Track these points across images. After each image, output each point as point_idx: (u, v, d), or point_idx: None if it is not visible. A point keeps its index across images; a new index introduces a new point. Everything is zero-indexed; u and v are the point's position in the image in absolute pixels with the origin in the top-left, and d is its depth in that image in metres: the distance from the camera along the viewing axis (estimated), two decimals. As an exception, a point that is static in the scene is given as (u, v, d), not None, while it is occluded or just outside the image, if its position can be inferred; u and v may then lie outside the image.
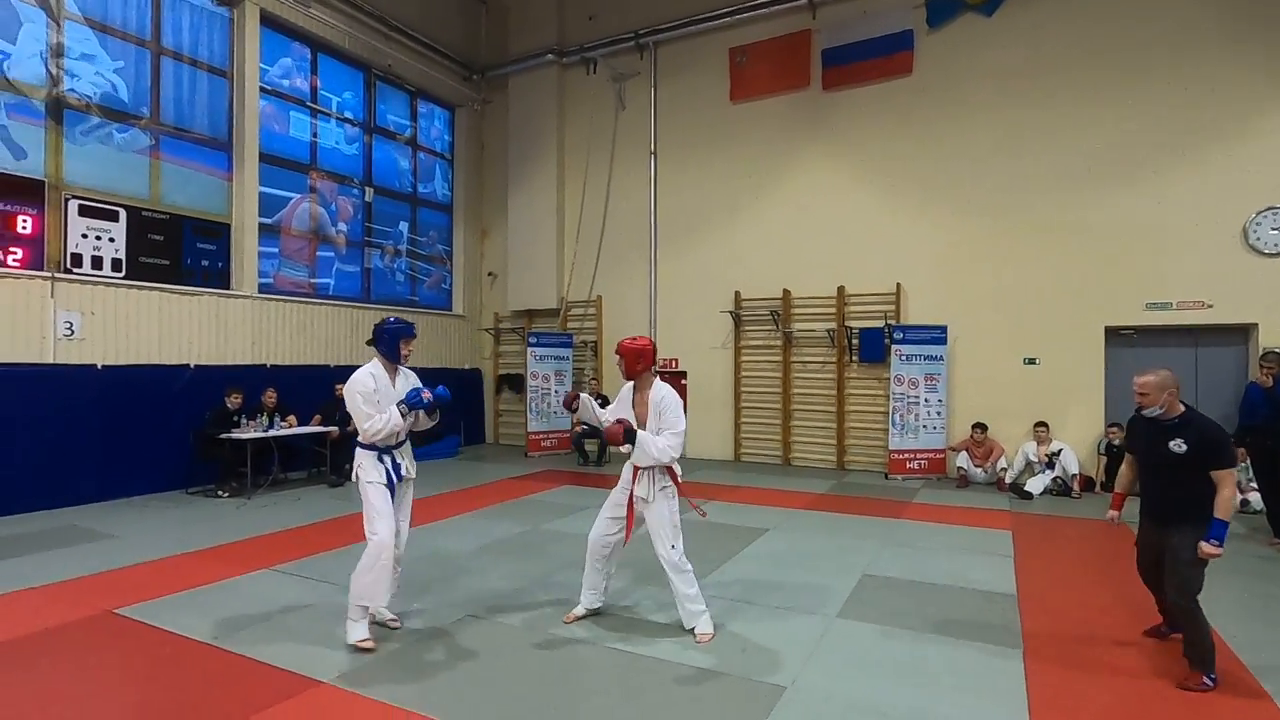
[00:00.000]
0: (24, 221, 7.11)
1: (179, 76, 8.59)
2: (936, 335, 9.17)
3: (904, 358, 9.18)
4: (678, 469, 4.08)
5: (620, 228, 11.81)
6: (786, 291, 10.38)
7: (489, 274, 13.24)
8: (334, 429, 8.75)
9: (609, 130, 11.86)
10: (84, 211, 7.56)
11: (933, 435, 9.16)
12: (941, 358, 9.15)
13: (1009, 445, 8.81)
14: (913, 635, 3.92)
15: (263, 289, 9.41)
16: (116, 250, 7.82)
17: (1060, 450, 8.29)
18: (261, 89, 9.43)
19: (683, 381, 11.27)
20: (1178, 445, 3.32)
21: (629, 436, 3.86)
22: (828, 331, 10.01)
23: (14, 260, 7.03)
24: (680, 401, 4.06)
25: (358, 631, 3.72)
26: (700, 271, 11.09)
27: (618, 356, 4.16)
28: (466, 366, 12.81)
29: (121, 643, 3.80)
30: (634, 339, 4.21)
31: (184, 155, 8.66)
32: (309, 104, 10.28)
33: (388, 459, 4.06)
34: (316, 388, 9.29)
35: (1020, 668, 3.55)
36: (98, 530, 6.25)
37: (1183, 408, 3.43)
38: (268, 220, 9.58)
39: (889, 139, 9.79)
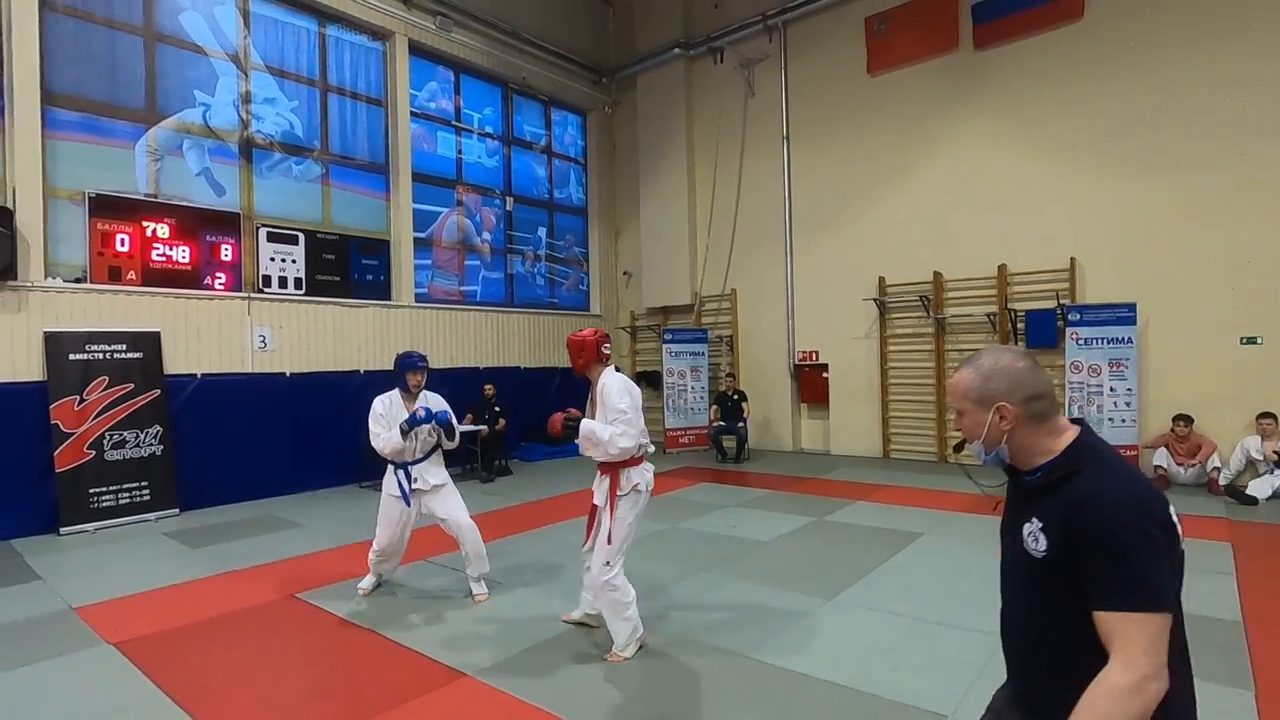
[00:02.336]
0: (226, 249, 8.17)
1: (343, 109, 9.47)
2: (1123, 315, 7.99)
3: (1081, 341, 8.09)
4: (642, 479, 3.67)
5: (753, 219, 11.48)
6: (938, 274, 9.54)
7: (624, 273, 13.43)
8: (484, 428, 9.25)
9: (738, 119, 11.56)
10: (271, 238, 8.55)
11: (1121, 429, 7.99)
12: (1130, 340, 7.95)
13: (1223, 441, 7.47)
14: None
15: (419, 298, 10.16)
16: (297, 270, 8.77)
17: (1294, 446, 6.91)
18: (412, 113, 10.18)
19: (824, 374, 10.74)
20: None
21: (568, 428, 3.56)
22: (987, 315, 9.07)
23: (219, 284, 8.10)
24: (624, 385, 3.67)
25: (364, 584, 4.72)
26: (840, 259, 10.50)
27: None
28: (605, 365, 13.06)
29: (300, 624, 4.20)
30: (580, 331, 3.88)
31: (349, 180, 9.54)
32: (454, 123, 10.95)
33: (401, 473, 4.56)
34: (467, 389, 9.88)
35: (1253, 711, 2.94)
36: (288, 519, 7.04)
37: None
38: (421, 234, 10.33)
39: (1055, 95, 8.67)
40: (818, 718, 2.98)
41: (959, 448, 1.59)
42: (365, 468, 8.87)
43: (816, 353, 10.83)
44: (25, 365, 6.64)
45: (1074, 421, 1.46)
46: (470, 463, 9.74)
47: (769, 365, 11.33)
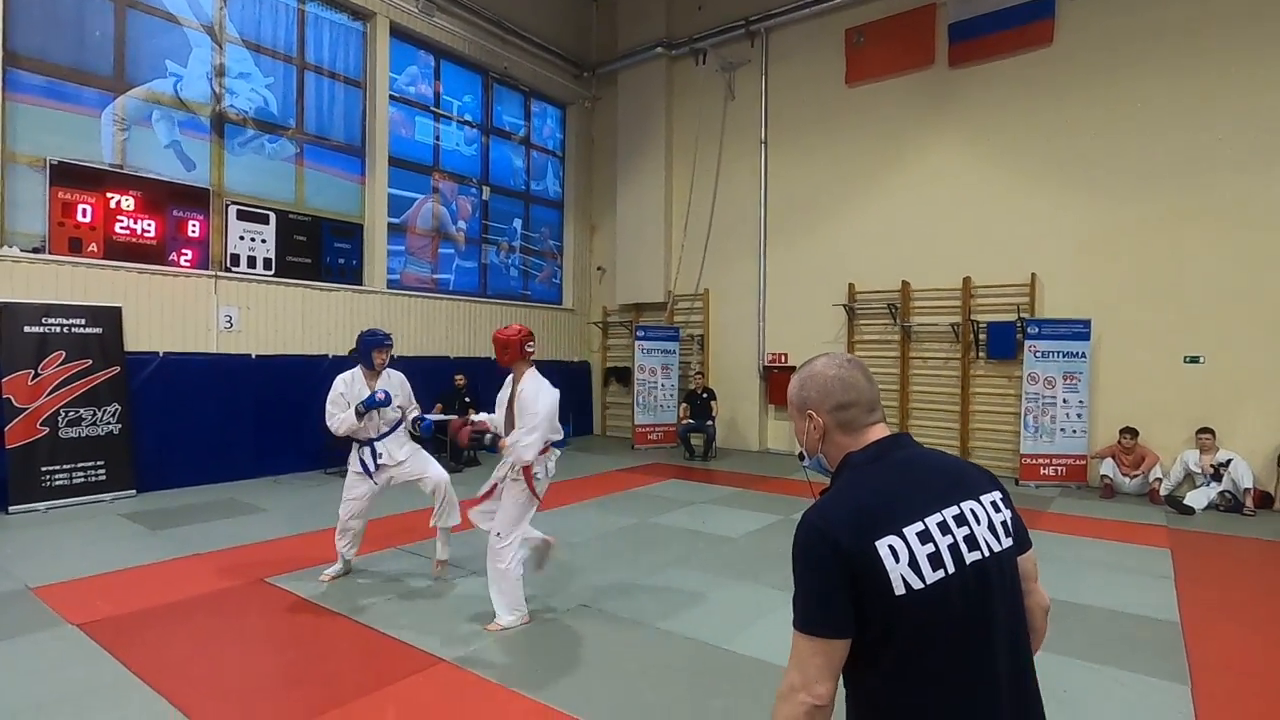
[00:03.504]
0: (193, 226, 7.95)
1: (320, 89, 9.29)
2: (1078, 330, 8.36)
3: (1039, 354, 8.44)
4: (543, 468, 3.98)
5: (729, 220, 11.63)
6: (905, 283, 9.82)
7: (598, 268, 13.46)
8: (454, 417, 9.18)
9: (718, 121, 11.69)
10: (241, 215, 8.35)
11: (1072, 440, 8.37)
12: (1084, 355, 8.33)
13: (1164, 453, 7.89)
14: (1059, 660, 3.56)
15: (391, 285, 10.04)
16: (267, 250, 8.58)
17: (1230, 460, 7.34)
18: (391, 97, 10.03)
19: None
20: None
21: (475, 441, 3.93)
22: (951, 326, 9.38)
23: (185, 260, 7.88)
24: (538, 391, 3.89)
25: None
26: (811, 263, 10.72)
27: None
28: (575, 359, 13.10)
29: (270, 609, 4.16)
30: (507, 328, 4.12)
31: (324, 161, 9.36)
32: (432, 109, 10.82)
33: (366, 450, 4.62)
34: (437, 378, 9.79)
35: (1189, 704, 3.15)
36: (252, 504, 6.91)
37: None
38: (396, 220, 10.20)
39: (1023, 117, 9.00)
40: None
41: (801, 456, 1.50)
42: (331, 454, 8.75)
43: (786, 355, 11.04)
44: (-23, 336, 6.38)
45: (893, 436, 1.39)
46: (439, 452, 9.65)
47: (739, 366, 11.51)
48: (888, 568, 1.17)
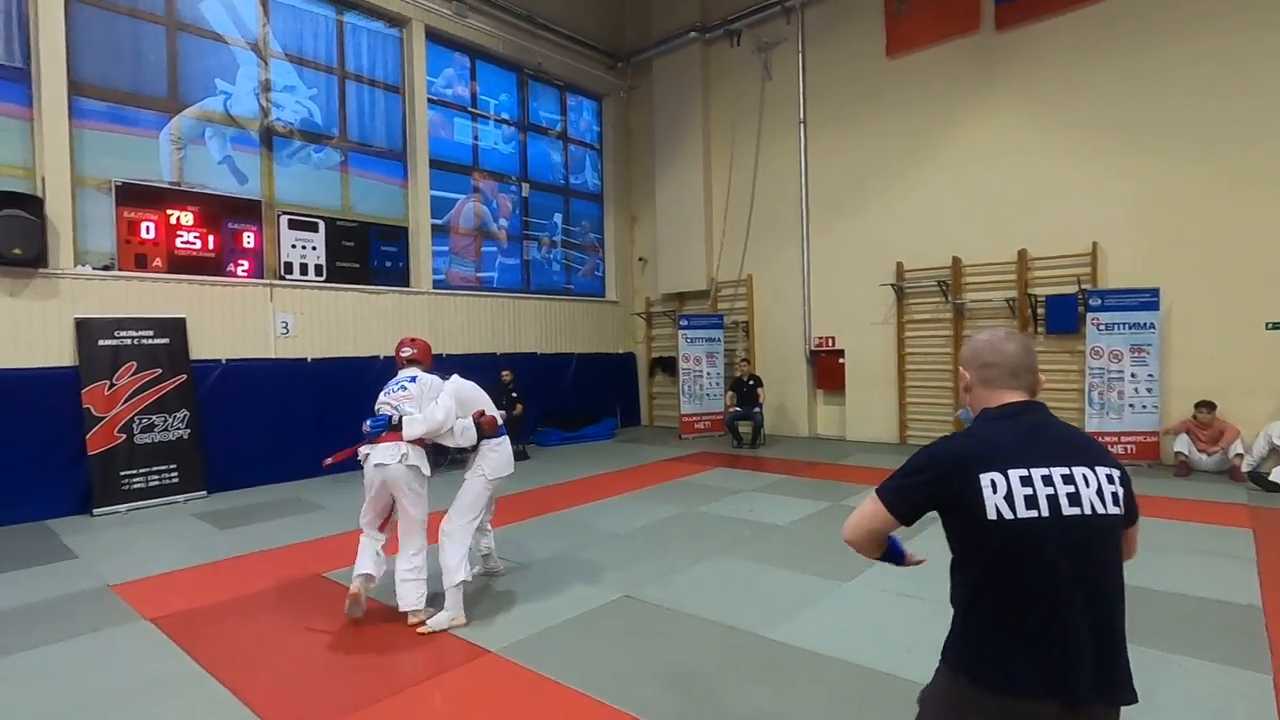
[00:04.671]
0: (248, 237, 8.28)
1: (360, 97, 9.53)
2: (1146, 300, 7.90)
3: (1102, 327, 8.01)
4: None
5: (769, 204, 11.43)
6: (956, 259, 9.47)
7: (639, 259, 13.44)
8: (501, 413, 9.33)
9: (755, 103, 11.48)
10: (292, 225, 8.66)
11: (1142, 415, 7.93)
12: (1153, 325, 7.87)
13: (1246, 428, 7.39)
14: (1131, 650, 3.38)
15: (436, 285, 10.26)
16: (318, 257, 8.88)
17: (1320, 433, 6.83)
18: (429, 100, 10.21)
19: (841, 360, 10.73)
20: None
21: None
22: (1007, 301, 9.00)
23: (242, 271, 8.22)
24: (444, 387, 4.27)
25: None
26: (857, 243, 10.44)
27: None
28: (620, 350, 13.13)
29: (327, 603, 4.31)
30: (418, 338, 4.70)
31: (367, 168, 9.62)
32: (470, 109, 10.97)
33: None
34: (485, 374, 9.93)
35: (1270, 694, 2.95)
36: (313, 502, 7.19)
37: None
38: (439, 221, 10.40)
39: (1079, 78, 8.52)
40: (834, 695, 3.03)
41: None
42: (386, 452, 9.03)
43: (833, 338, 10.81)
44: (58, 351, 6.81)
45: (1027, 402, 1.63)
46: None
47: (785, 351, 11.33)
48: (984, 496, 1.46)
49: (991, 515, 1.45)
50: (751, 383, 10.42)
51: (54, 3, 6.87)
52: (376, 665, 3.47)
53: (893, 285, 9.99)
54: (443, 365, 10.10)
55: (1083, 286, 8.38)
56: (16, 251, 6.39)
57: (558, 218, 12.46)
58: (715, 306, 12.12)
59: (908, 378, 10.02)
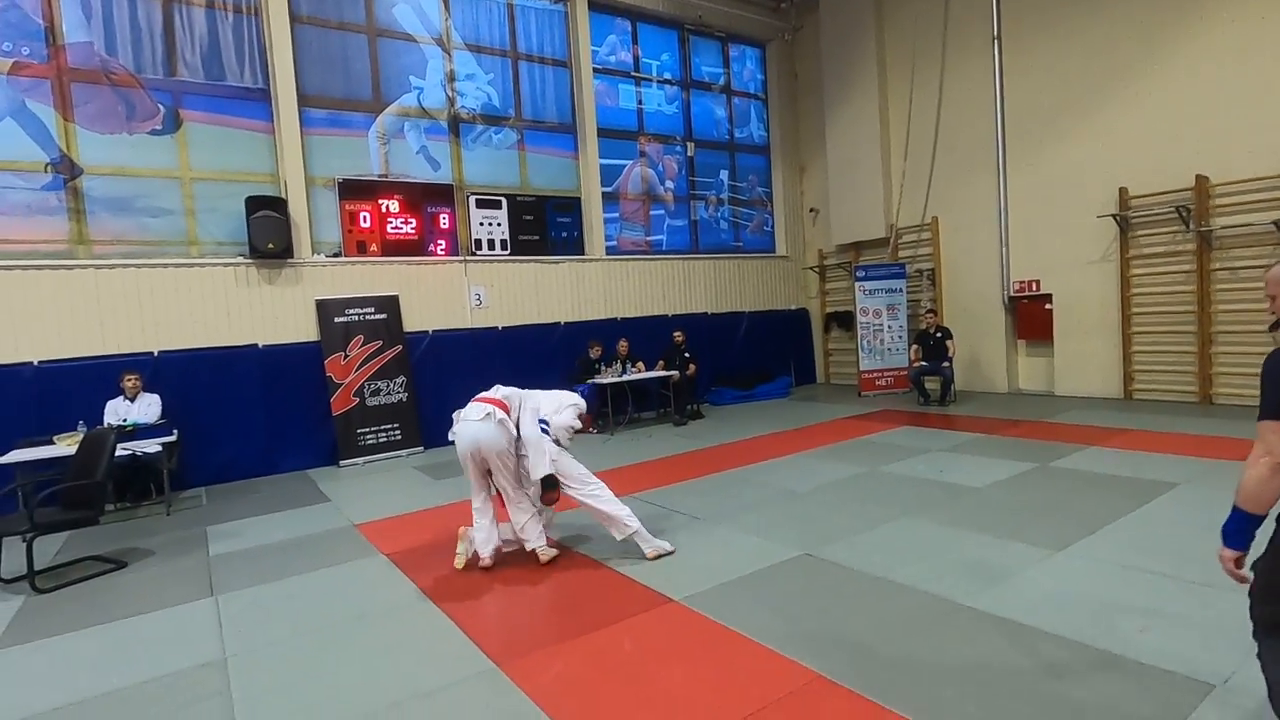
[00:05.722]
0: (444, 218, 9.13)
1: (531, 75, 9.99)
2: None
3: None
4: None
5: (957, 138, 10.32)
6: (1201, 179, 7.91)
7: (810, 210, 12.86)
8: (675, 373, 9.54)
9: (938, 25, 10.34)
10: (479, 204, 9.39)
11: None
12: None
13: None
14: None
15: (609, 251, 10.62)
16: (502, 232, 9.57)
17: None
18: (594, 70, 10.45)
19: (1047, 306, 9.53)
20: None
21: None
22: (1275, 223, 7.38)
23: (440, 250, 9.10)
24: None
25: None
26: (1066, 172, 9.11)
27: None
28: (793, 307, 12.75)
29: (518, 554, 4.73)
30: None
31: (541, 144, 10.12)
32: (633, 73, 11.07)
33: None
34: (658, 336, 10.22)
35: None
36: (509, 457, 7.89)
37: None
38: (608, 189, 10.71)
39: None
40: (1046, 674, 2.76)
41: (1274, 326, 2.19)
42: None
43: (1037, 282, 9.61)
44: (305, 328, 8.06)
45: None
46: (663, 406, 10.13)
47: (978, 298, 10.29)
48: None
49: None
50: (939, 335, 9.62)
51: (282, 26, 7.94)
52: (570, 606, 3.76)
53: (1115, 216, 8.60)
54: (617, 329, 10.51)
55: (1390, 198, 6.62)
56: (270, 246, 7.61)
57: (724, 174, 12.26)
58: (895, 255, 11.29)
59: (1134, 323, 8.65)
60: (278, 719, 2.79)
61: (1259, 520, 1.86)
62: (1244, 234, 7.67)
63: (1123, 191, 8.57)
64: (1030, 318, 9.82)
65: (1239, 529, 1.89)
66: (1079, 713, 2.47)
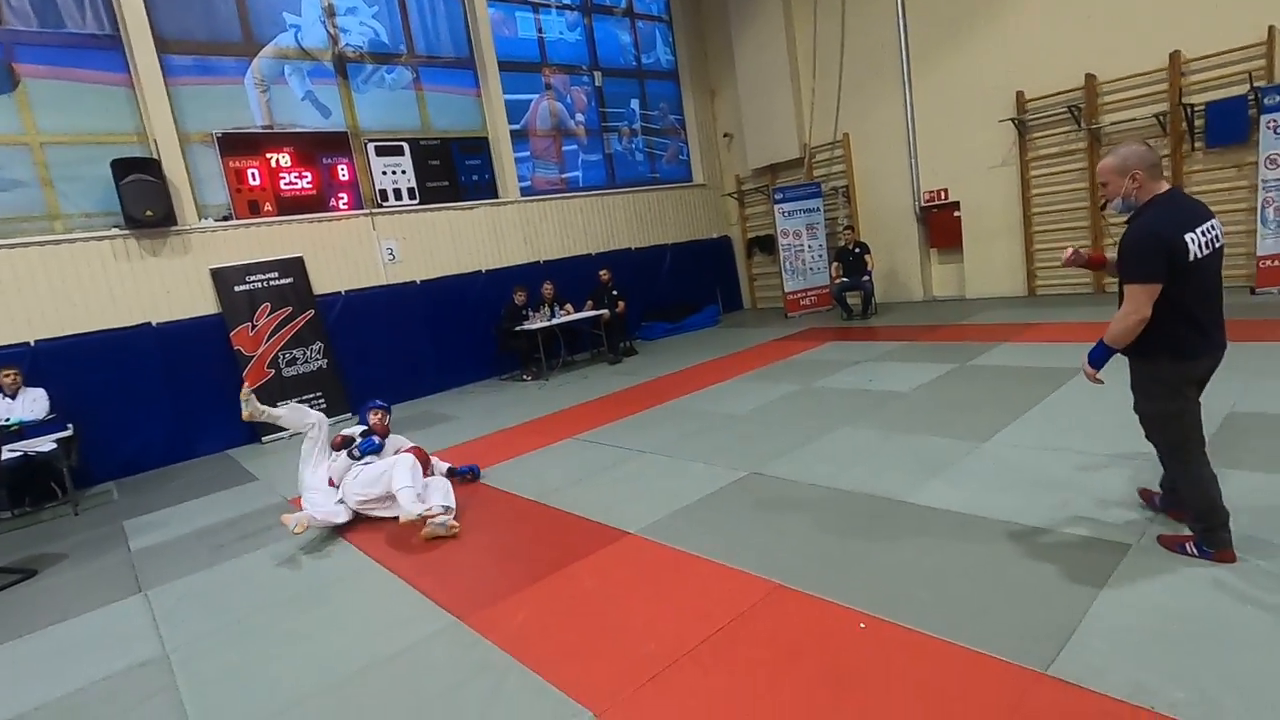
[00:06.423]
0: (342, 169, 8.50)
1: (421, 7, 9.25)
2: (1339, 89, 6.59)
3: (1281, 130, 6.82)
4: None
5: (862, 53, 10.31)
6: (1090, 77, 8.24)
7: (724, 135, 12.72)
8: (605, 312, 9.44)
9: (837, -67, 10.14)
10: (379, 151, 8.78)
11: (1331, 229, 6.83)
12: (1348, 119, 6.60)
13: None
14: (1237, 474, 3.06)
15: (524, 192, 10.22)
16: (408, 180, 9.02)
17: None
18: (487, -3, 9.78)
19: (956, 213, 9.88)
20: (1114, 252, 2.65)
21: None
22: (1156, 117, 7.80)
23: (343, 204, 8.51)
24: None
25: None
26: (968, 79, 9.29)
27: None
28: (715, 235, 12.75)
29: (473, 499, 4.66)
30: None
31: (439, 81, 9.48)
32: (530, 0, 10.43)
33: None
34: (583, 276, 10.03)
35: None
36: (444, 414, 7.69)
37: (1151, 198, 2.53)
38: (516, 126, 10.21)
39: None
40: (988, 555, 2.95)
41: (1102, 207, 3.02)
42: (501, 361, 9.46)
43: (945, 191, 9.92)
44: (203, 300, 7.45)
45: (1175, 186, 2.69)
46: (596, 347, 10.06)
47: (891, 211, 10.56)
48: (1189, 247, 2.38)
49: (1193, 258, 2.39)
50: (858, 250, 9.86)
51: (123, -39, 6.98)
52: (525, 553, 3.73)
53: (1013, 120, 8.90)
54: (539, 272, 10.19)
55: (1256, 85, 7.09)
56: (149, 213, 6.90)
57: (634, 104, 11.91)
58: (811, 175, 11.37)
59: (1034, 222, 9.09)
60: (231, 704, 2.68)
61: (1115, 352, 2.62)
62: (1130, 129, 8.07)
63: (1019, 95, 8.84)
64: (940, 226, 10.17)
65: (1103, 358, 2.67)
66: (1021, 585, 2.65)
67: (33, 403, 6.06)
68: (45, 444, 5.77)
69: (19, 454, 5.62)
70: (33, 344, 6.52)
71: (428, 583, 3.46)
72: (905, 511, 3.46)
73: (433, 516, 4.00)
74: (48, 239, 6.68)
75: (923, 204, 10.20)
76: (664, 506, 3.99)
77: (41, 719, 2.79)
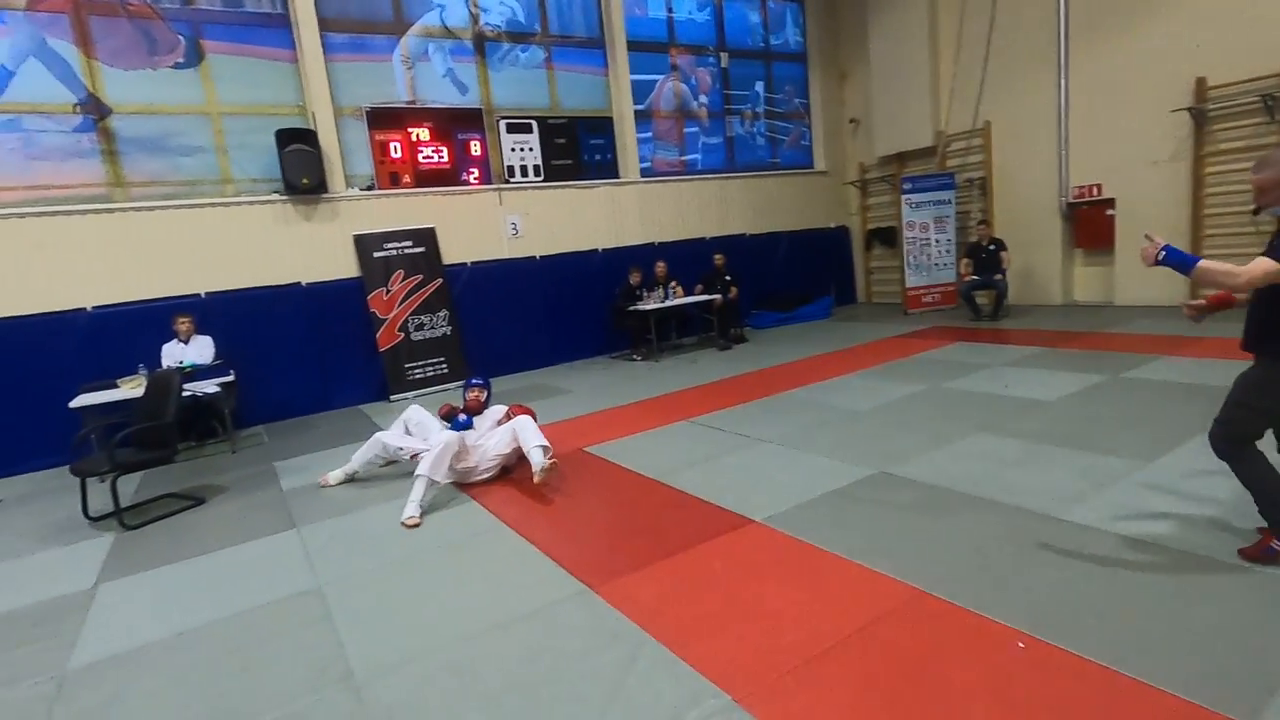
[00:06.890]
0: (475, 145, 8.83)
1: (556, -14, 9.42)
2: None
3: None
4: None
5: (1013, 34, 9.58)
6: (1291, 63, 7.28)
7: (851, 121, 12.22)
8: (717, 296, 9.35)
9: (995, -97, 9.43)
10: (510, 129, 9.05)
11: None
12: None
13: None
14: None
15: (644, 173, 10.25)
16: (535, 158, 9.25)
17: None
18: (620, -24, 9.81)
19: (1109, 211, 9.05)
20: None
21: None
22: (1372, 110, 6.80)
23: (473, 179, 8.85)
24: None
25: None
26: (1134, 64, 8.44)
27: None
28: (832, 225, 12.32)
29: (594, 472, 4.75)
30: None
31: (570, 61, 9.63)
32: (661, -21, 10.38)
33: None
34: (697, 259, 9.97)
35: None
36: (557, 387, 7.89)
37: None
38: (640, 106, 10.23)
39: None
40: (1165, 585, 2.69)
41: (1256, 211, 2.78)
42: (613, 339, 9.60)
43: (1098, 186, 9.10)
44: (346, 264, 7.98)
45: None
46: (705, 331, 10.00)
47: (1032, 207, 9.81)
48: None
49: None
50: (992, 247, 9.24)
51: (295, -56, 7.49)
52: (650, 529, 3.76)
53: (1190, 109, 8.01)
54: (654, 254, 10.22)
55: None
56: (305, 181, 7.44)
57: (759, 86, 11.64)
58: (944, 165, 10.74)
59: (1207, 224, 8.18)
60: (381, 640, 2.86)
61: (1189, 273, 2.56)
62: (1336, 123, 7.08)
63: (1200, 82, 7.93)
64: (1089, 225, 9.36)
65: (1179, 264, 2.59)
66: (1208, 624, 2.40)
67: (202, 349, 6.71)
68: (210, 386, 6.39)
69: (189, 394, 6.24)
70: (203, 295, 7.21)
71: (557, 550, 3.56)
72: (1060, 529, 3.21)
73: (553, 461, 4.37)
74: (219, 201, 7.35)
75: (1071, 199, 9.40)
76: (788, 498, 3.90)
77: (218, 632, 3.09)
